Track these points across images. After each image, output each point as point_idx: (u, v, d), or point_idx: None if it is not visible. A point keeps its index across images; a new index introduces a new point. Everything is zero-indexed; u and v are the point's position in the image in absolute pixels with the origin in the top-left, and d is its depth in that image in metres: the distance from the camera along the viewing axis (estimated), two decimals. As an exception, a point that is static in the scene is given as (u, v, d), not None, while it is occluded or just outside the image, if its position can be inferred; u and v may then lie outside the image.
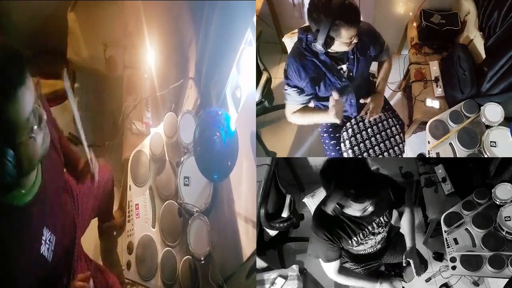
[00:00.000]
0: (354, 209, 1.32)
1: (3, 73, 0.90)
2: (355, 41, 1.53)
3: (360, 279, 1.63)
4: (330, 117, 1.76)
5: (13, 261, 1.10)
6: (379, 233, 1.55)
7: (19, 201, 1.12)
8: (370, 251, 1.65)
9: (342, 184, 1.25)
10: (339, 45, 1.53)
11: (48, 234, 1.23)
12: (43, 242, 1.20)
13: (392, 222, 1.72)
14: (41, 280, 1.20)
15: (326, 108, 1.88)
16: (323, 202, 1.33)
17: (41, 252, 1.19)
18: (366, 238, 1.53)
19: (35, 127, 1.00)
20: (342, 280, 1.60)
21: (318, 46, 1.52)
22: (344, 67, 1.69)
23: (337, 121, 1.69)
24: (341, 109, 1.70)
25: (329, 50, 1.60)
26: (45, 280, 1.23)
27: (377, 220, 1.51)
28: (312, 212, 1.87)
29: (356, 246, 1.54)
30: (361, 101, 1.83)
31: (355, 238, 1.50)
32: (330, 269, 1.57)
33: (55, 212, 1.30)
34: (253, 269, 1.53)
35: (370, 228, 1.51)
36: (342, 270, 1.60)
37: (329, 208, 1.30)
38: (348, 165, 1.32)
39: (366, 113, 1.85)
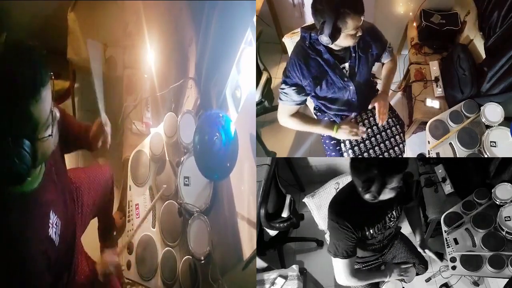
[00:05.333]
0: (393, 185, 1.33)
1: (30, 74, 0.97)
2: (359, 33, 1.53)
3: (372, 277, 1.62)
4: (331, 133, 1.80)
5: (25, 245, 1.15)
6: (389, 227, 1.57)
7: (28, 188, 1.16)
8: (376, 246, 1.65)
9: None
10: (345, 38, 1.53)
11: (55, 218, 1.27)
12: (50, 225, 1.24)
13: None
14: (51, 263, 1.23)
15: (326, 120, 1.90)
16: (365, 189, 1.34)
17: (49, 234, 1.23)
18: (380, 232, 1.54)
19: (52, 124, 1.07)
20: (355, 282, 1.56)
21: (325, 38, 1.50)
22: (347, 65, 1.69)
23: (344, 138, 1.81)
24: (353, 130, 1.75)
25: (333, 48, 1.60)
26: (54, 265, 1.25)
27: (390, 213, 1.53)
28: (320, 207, 1.87)
29: (370, 240, 1.54)
30: (370, 106, 1.84)
31: (371, 231, 1.50)
32: (343, 269, 1.50)
33: (58, 194, 1.33)
34: (250, 260, 1.52)
35: (384, 221, 1.52)
36: (354, 272, 1.54)
37: (374, 190, 1.32)
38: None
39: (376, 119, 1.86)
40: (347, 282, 1.55)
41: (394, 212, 1.54)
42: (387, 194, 1.36)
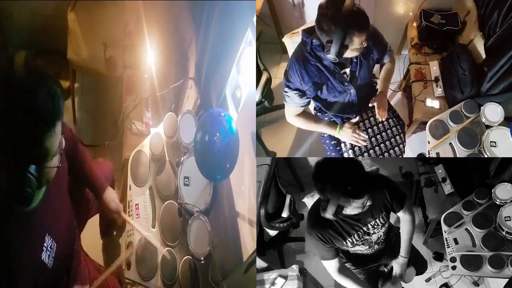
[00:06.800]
0: (354, 207, 1.31)
1: (51, 107, 1.00)
2: (364, 45, 1.52)
3: (360, 285, 1.61)
4: (334, 132, 1.81)
5: (14, 265, 1.12)
6: (374, 233, 1.56)
7: (24, 208, 1.14)
8: (368, 252, 1.65)
9: (338, 183, 1.25)
10: (351, 52, 1.52)
11: (50, 241, 1.24)
12: (44, 249, 1.21)
13: (392, 222, 1.71)
14: (40, 286, 1.21)
15: (326, 118, 1.90)
16: (323, 209, 1.32)
17: (42, 258, 1.20)
18: (362, 239, 1.53)
19: (59, 153, 1.10)
20: (342, 281, 1.59)
21: (332, 56, 1.49)
22: (347, 70, 1.69)
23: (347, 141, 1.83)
24: (355, 134, 1.78)
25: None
26: (44, 285, 1.23)
27: (373, 221, 1.51)
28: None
29: (351, 247, 1.54)
30: (370, 105, 1.85)
31: (349, 239, 1.49)
32: (330, 267, 1.57)
33: (57, 219, 1.30)
34: (251, 264, 1.53)
35: (365, 229, 1.51)
36: (343, 271, 1.58)
37: (330, 212, 1.29)
38: (340, 165, 1.32)
39: (374, 117, 1.88)
40: (336, 278, 1.59)
41: (377, 220, 1.52)
42: (349, 211, 1.34)
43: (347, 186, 1.24)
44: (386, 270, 1.76)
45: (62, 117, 1.05)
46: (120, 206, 1.83)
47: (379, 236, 1.59)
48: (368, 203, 1.33)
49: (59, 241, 1.29)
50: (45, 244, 1.22)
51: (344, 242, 1.49)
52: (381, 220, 1.53)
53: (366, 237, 1.54)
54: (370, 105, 1.85)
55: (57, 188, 1.30)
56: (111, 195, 1.79)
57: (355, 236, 1.50)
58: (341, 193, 1.25)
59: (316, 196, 1.94)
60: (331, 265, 1.55)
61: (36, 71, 1.02)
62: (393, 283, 1.66)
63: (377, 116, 1.84)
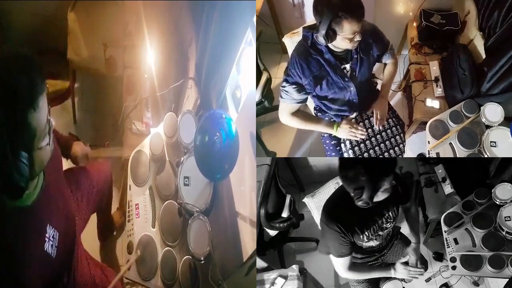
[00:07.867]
0: (385, 189, 1.31)
1: (28, 83, 0.95)
2: (358, 38, 1.53)
3: (373, 271, 1.62)
4: (332, 131, 1.81)
5: (19, 261, 1.11)
6: (386, 228, 1.56)
7: (24, 202, 1.13)
8: (376, 248, 1.65)
9: (372, 165, 1.28)
10: (342, 40, 1.53)
11: (52, 231, 1.23)
12: (46, 239, 1.20)
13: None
14: (45, 278, 1.21)
15: (326, 118, 1.90)
16: (357, 197, 1.30)
17: (45, 249, 1.20)
18: (376, 234, 1.53)
19: (48, 133, 1.05)
20: (354, 275, 1.59)
21: (320, 38, 1.53)
22: (348, 66, 1.69)
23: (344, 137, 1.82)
24: (352, 129, 1.78)
25: (333, 49, 1.60)
26: (48, 278, 1.23)
27: (387, 214, 1.52)
28: (320, 207, 1.86)
29: (366, 242, 1.53)
30: (368, 112, 1.87)
31: (366, 233, 1.49)
32: (340, 265, 1.54)
33: (57, 208, 1.31)
34: (252, 266, 1.53)
35: (380, 222, 1.51)
36: (352, 266, 1.57)
37: (366, 198, 1.28)
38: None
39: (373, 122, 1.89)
40: (346, 275, 1.58)
41: (390, 213, 1.53)
42: (379, 197, 1.35)
43: (379, 166, 1.28)
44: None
45: (43, 92, 0.99)
46: (86, 148, 1.84)
47: (388, 232, 1.60)
48: (392, 184, 1.34)
49: (60, 229, 1.28)
50: (47, 235, 1.20)
51: (361, 236, 1.49)
52: (393, 213, 1.54)
53: (380, 233, 1.55)
54: (369, 112, 1.87)
55: (54, 176, 1.30)
56: (76, 146, 1.80)
57: (371, 230, 1.50)
58: (376, 173, 1.26)
59: (318, 196, 1.94)
60: (343, 263, 1.53)
61: (5, 49, 0.98)
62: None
63: (373, 124, 1.86)
